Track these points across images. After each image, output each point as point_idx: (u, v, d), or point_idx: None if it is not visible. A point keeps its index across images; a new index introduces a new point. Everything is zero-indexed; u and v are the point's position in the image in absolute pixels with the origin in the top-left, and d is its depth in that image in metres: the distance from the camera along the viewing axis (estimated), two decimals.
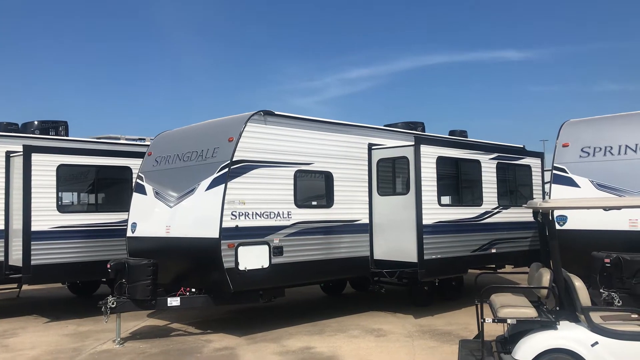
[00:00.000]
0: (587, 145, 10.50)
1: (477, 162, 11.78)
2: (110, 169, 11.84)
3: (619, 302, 7.66)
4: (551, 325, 5.62)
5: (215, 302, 9.38)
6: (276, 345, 8.52)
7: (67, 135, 12.60)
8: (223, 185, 8.80)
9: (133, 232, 10.41)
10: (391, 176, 11.15)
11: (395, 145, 11.19)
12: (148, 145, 11.98)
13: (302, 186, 9.98)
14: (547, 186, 12.71)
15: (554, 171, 10.64)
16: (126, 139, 14.02)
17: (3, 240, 10.94)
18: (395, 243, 10.60)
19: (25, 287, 12.11)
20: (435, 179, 10.62)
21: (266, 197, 9.30)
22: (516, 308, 5.84)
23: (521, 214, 12.54)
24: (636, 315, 5.61)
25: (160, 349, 8.40)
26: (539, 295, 6.18)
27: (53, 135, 12.22)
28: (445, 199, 11.27)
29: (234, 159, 8.91)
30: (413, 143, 10.53)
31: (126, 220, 10.72)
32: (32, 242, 10.48)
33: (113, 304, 8.78)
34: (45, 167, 10.80)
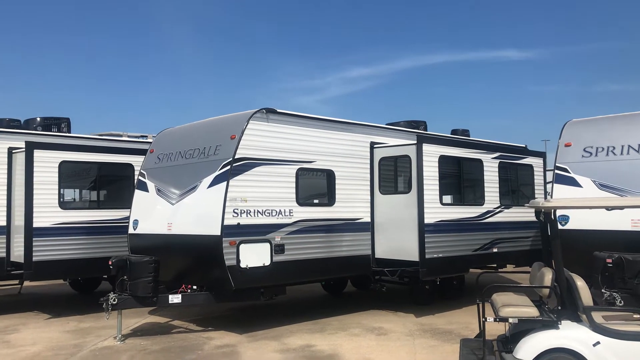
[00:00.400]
0: (589, 145, 10.48)
1: (479, 162, 11.77)
2: (112, 165, 11.84)
3: (620, 302, 7.65)
4: (553, 325, 5.61)
5: (216, 299, 9.39)
6: (277, 343, 8.52)
7: (70, 132, 12.61)
8: (225, 182, 8.80)
9: (135, 229, 10.42)
10: (393, 175, 11.14)
11: (397, 144, 11.18)
12: (150, 143, 11.99)
13: (304, 184, 9.97)
14: (549, 186, 12.70)
15: (556, 171, 10.63)
16: (128, 136, 14.01)
17: (5, 236, 10.95)
18: (397, 242, 10.60)
19: (26, 283, 12.13)
20: (437, 178, 10.61)
21: (268, 195, 9.30)
22: (518, 307, 5.84)
23: (523, 214, 12.53)
24: (638, 315, 5.61)
25: (161, 346, 8.40)
26: (541, 294, 6.17)
27: (55, 132, 12.24)
28: (447, 198, 11.27)
29: (236, 157, 8.91)
30: (415, 142, 10.52)
31: (128, 217, 10.73)
32: (33, 239, 10.49)
33: (114, 300, 8.79)
34: (47, 164, 10.81)
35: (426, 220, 10.23)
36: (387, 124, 12.62)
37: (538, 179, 13.45)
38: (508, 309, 5.83)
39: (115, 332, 9.00)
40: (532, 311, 5.79)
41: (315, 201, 10.33)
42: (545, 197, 13.29)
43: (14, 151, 11.16)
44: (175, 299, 9.15)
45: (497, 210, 12.00)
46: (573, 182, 10.36)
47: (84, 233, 11.20)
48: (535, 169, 13.37)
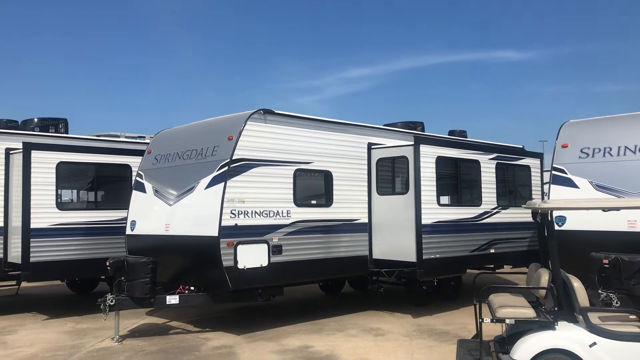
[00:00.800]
0: (586, 146, 10.51)
1: (477, 162, 11.79)
2: (109, 166, 11.84)
3: (617, 302, 7.66)
4: (549, 326, 5.63)
5: (214, 300, 9.39)
6: (274, 344, 8.53)
7: (67, 133, 12.61)
8: (222, 183, 8.80)
9: (132, 230, 10.41)
10: (390, 176, 11.16)
11: (394, 144, 11.20)
12: (148, 143, 11.99)
13: (302, 185, 9.98)
14: (546, 187, 12.72)
15: (553, 172, 10.65)
16: (126, 137, 14.03)
17: (2, 237, 10.94)
18: (394, 242, 10.61)
19: (24, 284, 12.12)
20: (435, 179, 10.63)
21: (265, 196, 9.31)
22: (515, 308, 5.86)
23: (520, 214, 12.55)
24: (634, 316, 5.63)
25: (159, 347, 8.40)
26: (538, 295, 6.19)
27: (53, 133, 12.24)
28: (445, 199, 11.28)
29: (233, 158, 8.91)
30: (412, 143, 10.54)
31: (125, 218, 10.73)
32: (31, 240, 10.48)
33: (112, 301, 8.79)
34: (44, 165, 10.80)
35: (423, 221, 10.25)
36: (384, 125, 12.65)
37: (535, 179, 13.48)
38: (505, 309, 5.85)
39: (112, 333, 9.00)
40: (528, 312, 5.81)
41: (313, 202, 10.34)
42: (543, 198, 13.32)
43: (11, 152, 11.15)
44: (172, 300, 9.15)
45: (495, 211, 12.02)
46: (570, 183, 10.38)
47: (82, 234, 11.19)
48: (532, 169, 13.40)
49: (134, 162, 11.92)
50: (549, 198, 10.60)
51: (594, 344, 5.38)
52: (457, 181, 11.42)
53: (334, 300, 12.71)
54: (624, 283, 7.95)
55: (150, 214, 10.08)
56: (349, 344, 8.46)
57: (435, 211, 10.56)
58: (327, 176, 10.41)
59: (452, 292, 11.97)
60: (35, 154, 10.68)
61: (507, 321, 5.79)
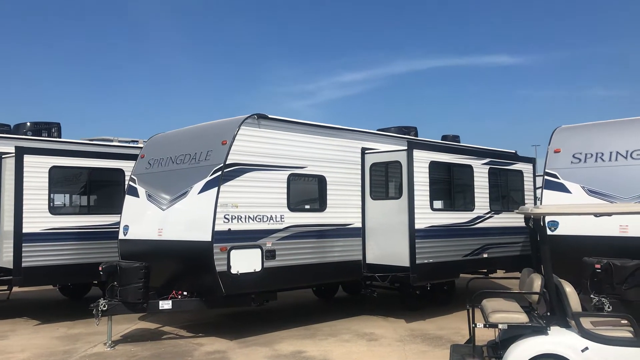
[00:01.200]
0: (578, 151, 10.57)
1: (470, 167, 11.83)
2: (102, 171, 11.79)
3: (609, 307, 7.70)
4: (542, 331, 5.65)
5: (207, 305, 9.37)
6: (267, 349, 8.51)
7: (60, 137, 12.57)
8: (216, 188, 8.80)
9: (125, 235, 10.38)
10: (384, 180, 11.18)
11: (388, 149, 11.22)
12: (141, 148, 11.96)
13: (295, 190, 9.99)
14: (538, 191, 12.78)
15: (546, 177, 10.71)
16: (119, 141, 13.98)
17: None
18: (388, 247, 10.63)
19: (15, 289, 12.04)
20: (428, 184, 10.66)
21: (259, 201, 9.30)
22: (507, 313, 5.87)
23: (513, 219, 12.59)
24: (626, 321, 5.66)
25: (152, 352, 8.37)
26: (530, 300, 6.21)
27: (46, 137, 12.20)
28: (438, 204, 11.32)
29: (227, 162, 8.91)
30: (406, 148, 10.57)
31: (118, 223, 10.69)
32: (23, 244, 10.42)
33: (104, 306, 8.76)
34: (37, 169, 10.75)
35: (417, 226, 10.27)
36: (378, 130, 12.67)
37: (528, 184, 13.53)
38: (498, 314, 5.87)
39: (105, 338, 8.96)
40: (521, 317, 5.83)
41: (307, 207, 10.35)
42: (535, 203, 13.38)
43: (3, 156, 11.10)
44: (165, 305, 9.13)
45: (487, 215, 12.06)
46: (562, 188, 10.43)
47: (74, 238, 11.14)
48: (525, 174, 13.44)
49: (127, 166, 11.88)
50: (541, 203, 10.65)
51: (586, 348, 5.41)
52: (450, 186, 11.46)
53: (328, 305, 12.71)
54: (616, 288, 7.99)
55: (143, 219, 10.05)
56: (342, 349, 8.45)
57: (428, 216, 10.59)
58: (320, 181, 10.42)
59: (445, 297, 11.99)
60: (27, 159, 10.63)
61: (500, 326, 5.81)
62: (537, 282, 5.94)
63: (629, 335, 5.46)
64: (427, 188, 10.63)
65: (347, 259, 10.67)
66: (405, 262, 10.26)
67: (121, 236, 10.47)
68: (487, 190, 12.16)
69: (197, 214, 8.94)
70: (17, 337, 9.63)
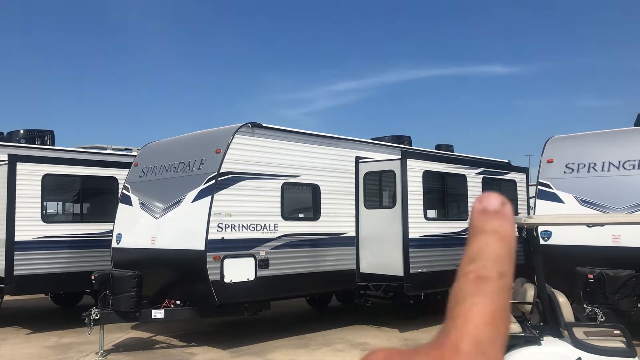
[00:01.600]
0: (571, 161, 10.62)
1: (463, 177, 11.85)
2: (96, 179, 11.75)
3: (602, 317, 7.72)
4: (535, 341, 5.65)
5: (200, 314, 9.33)
6: (261, 358, 8.47)
7: (53, 145, 12.53)
8: (209, 197, 8.78)
9: (118, 243, 10.34)
10: (378, 189, 11.19)
11: (382, 158, 11.24)
12: (135, 156, 11.94)
13: (289, 198, 9.98)
14: (532, 201, 12.82)
15: (539, 187, 10.74)
16: (113, 149, 13.94)
17: None
18: (382, 256, 10.62)
19: (6, 297, 11.94)
20: (422, 193, 10.67)
21: (253, 210, 9.29)
22: None
23: None
24: (619, 331, 5.66)
25: None
26: (523, 310, 6.21)
27: (39, 145, 12.15)
28: (432, 213, 11.33)
29: (221, 171, 8.90)
30: (400, 157, 10.59)
31: (111, 231, 10.65)
32: (15, 253, 10.36)
33: (97, 315, 8.69)
34: (30, 177, 10.70)
35: (410, 235, 10.27)
36: (372, 139, 12.70)
37: (521, 194, 13.57)
38: None
39: (97, 347, 8.89)
40: (514, 327, 5.82)
41: (301, 215, 10.34)
42: (529, 212, 13.41)
43: None
44: (158, 314, 9.07)
45: None
46: (555, 198, 10.47)
47: (67, 247, 11.08)
48: (518, 184, 13.49)
49: (120, 174, 11.84)
50: (534, 213, 10.67)
51: (579, 359, 5.40)
52: (444, 195, 11.48)
53: (321, 314, 12.67)
54: (608, 298, 8.02)
55: (137, 227, 10.01)
56: (335, 359, 8.42)
57: (422, 225, 10.59)
58: (314, 190, 10.42)
59: (439, 307, 11.96)
60: (20, 166, 10.58)
61: None
62: (530, 292, 5.95)
63: (622, 345, 5.47)
64: (421, 197, 10.64)
65: (340, 268, 10.65)
66: (399, 271, 10.25)
67: (114, 244, 10.42)
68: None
69: (191, 223, 8.92)
70: (8, 346, 9.54)
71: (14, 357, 8.69)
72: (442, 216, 11.54)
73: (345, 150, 11.10)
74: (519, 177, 13.56)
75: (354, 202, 11.06)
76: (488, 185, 12.48)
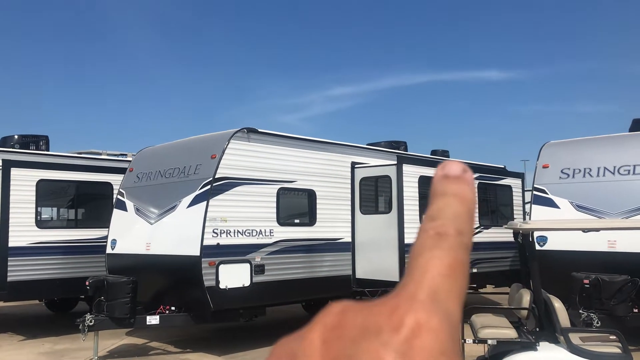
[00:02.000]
0: (566, 166, 10.64)
1: None
2: (90, 184, 11.70)
3: (597, 323, 7.71)
4: (531, 346, 5.63)
5: (195, 320, 9.28)
6: None
7: (48, 150, 12.47)
8: (205, 202, 8.75)
9: (113, 249, 10.29)
10: (374, 195, 11.18)
11: (378, 164, 11.24)
12: (130, 161, 11.90)
13: (285, 204, 9.96)
14: (527, 206, 12.83)
15: (534, 192, 10.75)
16: (107, 155, 13.91)
17: None
18: (378, 262, 10.60)
19: (0, 304, 11.87)
20: (418, 198, 10.66)
21: (248, 215, 9.26)
22: (496, 329, 5.86)
23: (502, 234, 12.58)
24: (614, 337, 5.65)
25: None
26: (519, 316, 6.20)
27: (33, 150, 12.10)
28: None
29: (216, 176, 8.88)
30: (395, 162, 10.59)
31: (106, 237, 10.60)
32: (8, 258, 10.29)
33: (91, 321, 8.64)
34: (24, 182, 10.65)
35: (407, 241, 10.25)
36: (368, 144, 12.70)
37: (517, 199, 13.58)
38: (487, 330, 5.85)
39: (91, 353, 8.84)
40: (510, 333, 5.82)
41: (296, 221, 10.31)
42: (524, 218, 13.42)
43: None
44: (153, 320, 9.03)
45: (477, 230, 12.07)
46: (551, 203, 10.48)
47: (61, 252, 11.02)
48: (513, 189, 13.50)
49: (115, 180, 11.80)
50: (530, 218, 10.68)
51: None
52: None
53: None
54: (604, 303, 8.01)
55: (131, 233, 9.97)
56: None
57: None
58: (310, 195, 10.40)
59: None
60: (15, 172, 10.53)
61: (489, 342, 5.79)
62: (526, 298, 5.94)
63: (617, 351, 5.46)
64: (417, 203, 10.64)
65: (336, 274, 10.63)
66: (395, 277, 10.22)
67: (109, 250, 10.37)
68: (477, 205, 12.16)
69: (186, 228, 8.88)
70: (1, 352, 9.47)
71: None
72: None
73: (341, 156, 11.09)
74: (514, 183, 13.57)
75: (349, 208, 11.04)
76: (484, 190, 12.48)
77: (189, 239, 8.71)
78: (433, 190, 0.46)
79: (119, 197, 10.62)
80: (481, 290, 12.77)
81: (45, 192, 11.13)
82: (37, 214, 10.90)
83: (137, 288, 8.99)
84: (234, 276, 8.88)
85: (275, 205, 9.71)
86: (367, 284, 10.72)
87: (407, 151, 13.31)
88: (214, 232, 8.72)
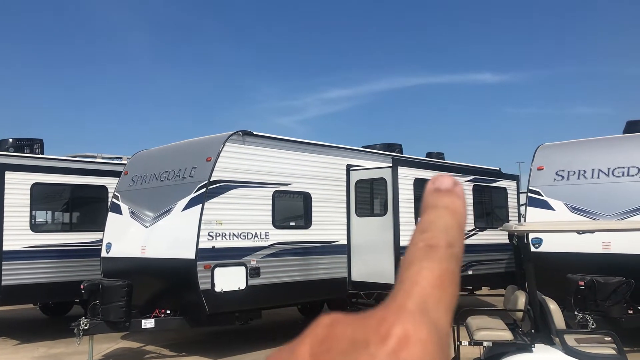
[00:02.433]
0: (561, 168, 10.67)
1: None
2: (85, 188, 11.67)
3: (592, 324, 7.73)
4: (526, 348, 5.64)
5: (190, 324, 9.25)
6: None
7: (43, 153, 12.42)
8: (200, 205, 8.74)
9: (108, 253, 10.26)
10: (369, 197, 11.18)
11: (373, 166, 11.24)
12: (125, 164, 11.88)
13: (280, 207, 9.95)
14: (522, 208, 12.86)
15: (529, 194, 10.78)
16: (102, 158, 13.86)
17: None
18: (373, 264, 10.60)
19: None
20: (413, 201, 10.67)
21: (244, 218, 9.25)
22: (492, 331, 5.87)
23: (497, 236, 12.62)
24: (609, 338, 5.67)
25: None
26: (515, 317, 6.21)
27: (28, 153, 12.05)
28: None
29: (211, 179, 8.87)
30: (391, 165, 10.60)
31: (101, 240, 10.57)
32: (3, 262, 10.25)
33: (86, 325, 8.60)
34: (19, 186, 10.61)
35: (402, 243, 10.26)
36: (363, 147, 12.70)
37: (512, 201, 13.62)
38: (482, 332, 5.86)
39: (86, 358, 8.81)
40: (506, 334, 5.82)
41: (292, 224, 10.30)
42: (519, 220, 13.45)
43: None
44: (148, 323, 9.00)
45: (472, 232, 12.09)
46: (546, 205, 10.51)
47: (56, 256, 10.98)
48: (509, 191, 13.53)
49: (110, 183, 11.76)
50: (525, 220, 10.71)
51: None
52: None
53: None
54: (599, 304, 8.04)
55: (126, 236, 9.95)
56: None
57: None
58: (306, 198, 10.40)
59: None
60: (9, 175, 10.49)
61: (485, 344, 5.80)
62: (521, 300, 5.95)
63: (612, 352, 5.47)
64: (412, 205, 10.64)
65: (332, 277, 10.62)
66: (390, 279, 10.22)
67: (104, 254, 10.34)
68: (472, 207, 12.21)
69: (181, 232, 8.87)
70: None
71: None
72: None
73: (337, 158, 11.10)
74: (509, 185, 13.61)
75: (345, 210, 11.05)
76: (479, 192, 12.51)
77: (185, 242, 8.69)
78: (424, 203, 0.46)
79: (114, 200, 10.60)
80: (477, 292, 12.78)
81: (40, 196, 11.09)
82: (32, 217, 10.86)
83: (132, 291, 8.96)
84: (229, 279, 8.86)
85: (270, 208, 9.70)
86: (362, 287, 10.72)
87: (402, 154, 13.32)
88: (209, 235, 8.71)
